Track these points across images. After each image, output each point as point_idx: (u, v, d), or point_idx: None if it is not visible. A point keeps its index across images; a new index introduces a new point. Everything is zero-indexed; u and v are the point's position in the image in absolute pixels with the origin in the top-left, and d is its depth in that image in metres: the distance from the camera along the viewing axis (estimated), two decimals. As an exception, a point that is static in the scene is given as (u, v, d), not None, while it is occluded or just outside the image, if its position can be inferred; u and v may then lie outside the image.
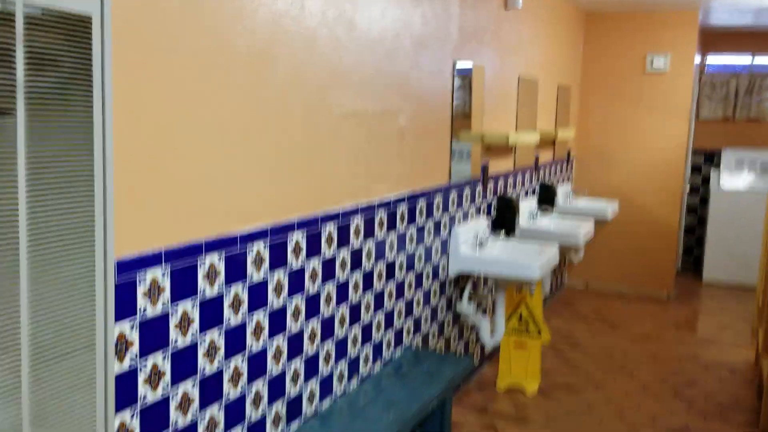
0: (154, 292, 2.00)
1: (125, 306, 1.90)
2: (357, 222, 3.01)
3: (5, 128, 1.50)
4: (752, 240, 7.16)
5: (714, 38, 7.87)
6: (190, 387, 2.17)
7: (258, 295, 2.43)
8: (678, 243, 7.17)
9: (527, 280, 3.93)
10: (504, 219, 4.74)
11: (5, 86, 1.49)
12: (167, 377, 2.08)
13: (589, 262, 6.92)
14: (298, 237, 2.62)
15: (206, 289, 2.19)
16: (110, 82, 1.74)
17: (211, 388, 2.26)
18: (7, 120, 1.50)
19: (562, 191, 6.33)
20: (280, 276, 2.54)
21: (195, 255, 2.13)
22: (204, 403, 2.24)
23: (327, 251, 2.81)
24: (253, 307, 2.41)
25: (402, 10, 3.25)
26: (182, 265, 2.09)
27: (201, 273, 2.17)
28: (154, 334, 2.01)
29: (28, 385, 1.58)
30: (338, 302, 2.94)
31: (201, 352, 2.20)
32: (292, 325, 2.64)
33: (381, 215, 3.21)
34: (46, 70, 1.57)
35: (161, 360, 2.05)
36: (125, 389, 1.93)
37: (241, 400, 2.41)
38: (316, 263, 2.75)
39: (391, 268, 3.36)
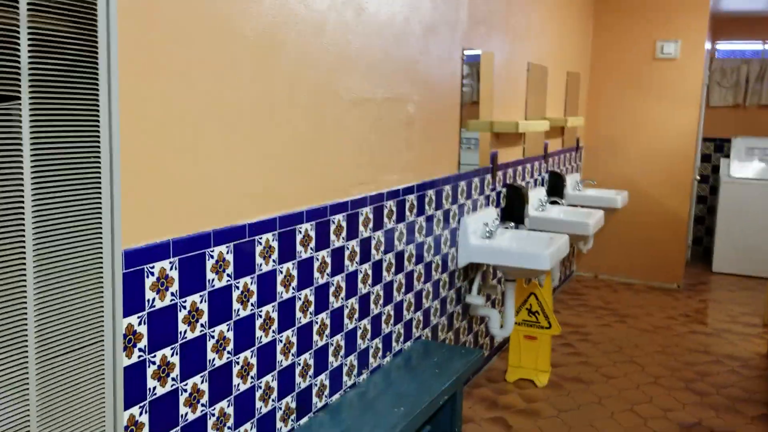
0: (162, 283, 1.95)
1: (133, 298, 1.85)
2: (366, 212, 2.96)
3: (9, 114, 1.45)
4: (763, 230, 7.09)
5: (725, 24, 7.78)
6: (200, 381, 2.12)
7: (267, 287, 2.38)
8: (687, 233, 7.10)
9: (538, 270, 3.87)
10: (513, 209, 4.68)
11: (9, 71, 1.44)
12: (176, 371, 2.03)
13: (598, 252, 6.86)
14: (307, 227, 2.56)
15: (215, 280, 2.14)
16: (116, 67, 1.68)
17: (220, 382, 2.21)
18: (12, 106, 1.45)
19: (571, 180, 6.27)
20: (289, 267, 2.49)
21: (203, 246, 2.08)
22: (214, 398, 2.19)
23: (336, 242, 2.76)
24: (262, 299, 2.36)
25: (412, -5, 3.18)
26: (190, 256, 2.04)
27: (209, 264, 2.12)
28: (162, 327, 1.96)
29: (35, 380, 1.53)
30: (348, 294, 2.89)
31: (210, 345, 2.15)
32: (301, 318, 2.59)
33: (390, 205, 3.15)
34: (50, 54, 1.51)
35: (170, 353, 2.00)
36: (134, 384, 1.88)
37: (251, 394, 2.36)
38: (325, 254, 2.69)
39: (400, 259, 3.30)
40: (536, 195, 5.32)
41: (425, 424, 3.11)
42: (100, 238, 1.69)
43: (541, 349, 4.39)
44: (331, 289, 2.77)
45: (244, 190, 2.23)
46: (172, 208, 1.96)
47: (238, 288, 2.25)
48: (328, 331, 2.77)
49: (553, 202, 5.54)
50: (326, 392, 2.81)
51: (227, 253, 2.18)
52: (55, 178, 1.56)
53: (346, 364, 2.93)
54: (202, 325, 2.11)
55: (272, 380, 2.46)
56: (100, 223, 1.68)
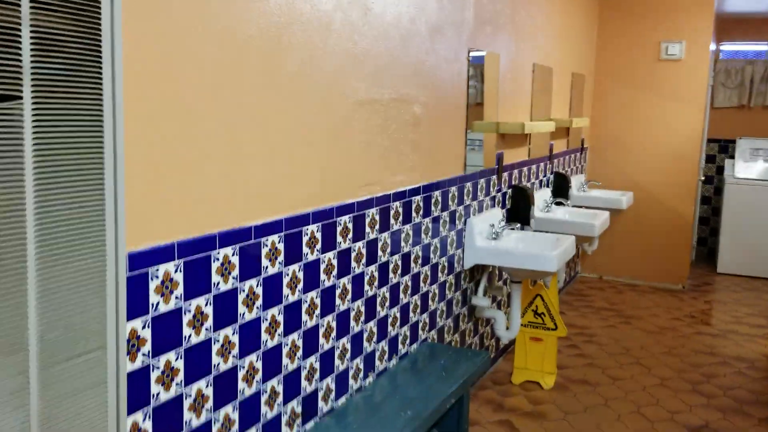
0: (167, 286, 1.91)
1: (137, 302, 1.82)
2: (372, 213, 2.92)
3: (11, 114, 1.41)
4: (768, 230, 7.05)
5: (729, 25, 7.75)
6: (204, 386, 2.09)
7: (273, 290, 2.35)
8: (692, 233, 7.06)
9: (544, 272, 3.83)
10: (519, 210, 4.65)
11: (11, 70, 1.40)
12: (180, 376, 1.99)
13: (603, 253, 6.82)
14: (313, 229, 2.53)
15: (220, 283, 2.11)
16: (120, 66, 1.64)
17: (225, 387, 2.18)
18: (13, 106, 1.41)
19: (576, 181, 6.23)
20: (295, 269, 2.45)
21: (209, 248, 2.05)
22: (218, 403, 2.15)
23: (342, 244, 2.72)
24: (267, 302, 2.33)
25: (418, -6, 3.15)
26: (195, 259, 2.00)
27: (215, 267, 2.08)
28: (167, 331, 1.93)
29: (36, 387, 1.49)
30: (354, 296, 2.85)
31: (215, 349, 2.12)
32: (307, 321, 2.56)
33: (396, 206, 3.12)
34: (53, 53, 1.48)
35: (174, 358, 1.96)
36: (137, 389, 1.85)
37: (256, 398, 2.32)
38: (331, 256, 2.66)
39: (406, 261, 3.27)
40: (541, 196, 5.28)
41: (432, 428, 3.07)
42: (104, 240, 1.65)
43: (547, 351, 4.36)
44: (338, 292, 2.73)
45: (249, 192, 2.19)
46: (177, 209, 1.93)
47: (243, 291, 2.21)
48: (334, 334, 2.74)
49: (559, 203, 5.50)
50: (332, 396, 2.77)
51: (233, 255, 2.14)
52: (58, 179, 1.52)
53: (352, 368, 2.90)
54: (207, 329, 2.08)
55: (278, 384, 2.43)
56: (104, 225, 1.65)
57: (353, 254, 2.81)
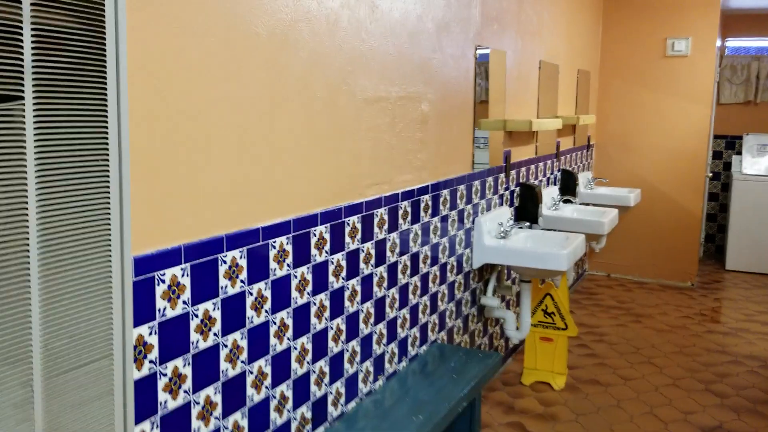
0: (173, 291, 1.86)
1: (144, 307, 1.77)
2: (381, 213, 2.87)
3: (12, 115, 1.36)
4: (777, 227, 6.98)
5: (735, 20, 7.68)
6: (213, 393, 2.04)
7: (281, 293, 2.29)
8: (700, 231, 7.00)
9: (555, 271, 3.77)
10: (527, 208, 4.59)
11: (11, 69, 1.35)
12: (188, 383, 1.94)
13: (611, 250, 6.77)
14: (321, 230, 2.47)
15: (228, 287, 2.06)
16: (125, 65, 1.59)
17: (234, 394, 2.12)
18: (14, 106, 1.36)
19: (583, 179, 6.17)
20: (304, 272, 2.40)
21: (216, 251, 1.99)
22: (227, 410, 2.10)
23: (351, 244, 2.67)
24: (276, 306, 2.27)
25: (425, -10, 3.09)
26: (203, 262, 1.95)
27: (222, 270, 2.03)
28: (174, 337, 1.88)
29: (41, 399, 1.44)
30: (363, 298, 2.80)
31: (223, 354, 2.07)
32: (316, 324, 2.50)
33: (405, 206, 3.06)
34: (55, 52, 1.43)
35: (182, 364, 1.91)
36: (144, 397, 1.79)
37: (266, 404, 2.27)
38: (339, 257, 2.60)
39: (415, 262, 3.21)
40: (549, 194, 5.22)
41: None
42: (109, 244, 1.60)
43: (558, 351, 4.30)
44: (347, 294, 2.68)
45: (256, 192, 2.14)
46: (184, 211, 1.88)
47: (251, 294, 2.16)
48: (343, 337, 2.69)
49: (566, 201, 5.44)
50: (342, 400, 2.72)
51: (240, 258, 2.09)
52: (61, 182, 1.47)
53: (361, 371, 2.84)
54: (215, 334, 2.03)
55: (287, 390, 2.38)
56: (109, 229, 1.60)
57: (362, 255, 2.76)
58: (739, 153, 7.72)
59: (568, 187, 5.64)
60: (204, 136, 1.92)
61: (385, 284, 2.96)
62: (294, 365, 2.40)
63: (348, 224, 2.64)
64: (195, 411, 1.98)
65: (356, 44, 2.60)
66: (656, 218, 6.70)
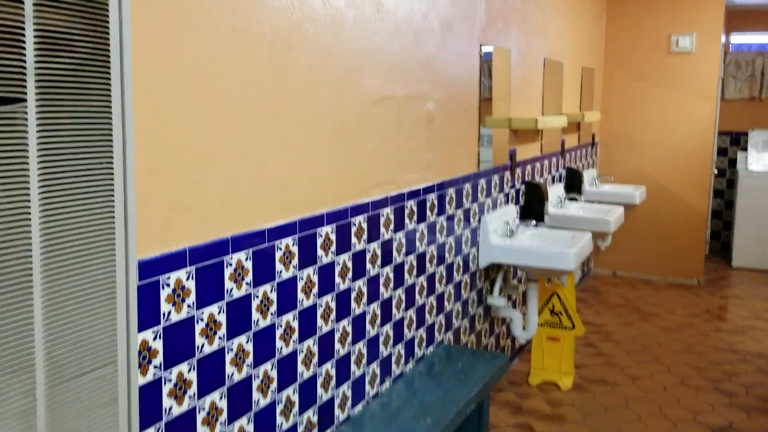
0: (178, 295, 1.83)
1: (148, 312, 1.74)
2: (387, 213, 2.84)
3: (14, 118, 1.33)
4: (784, 224, 6.94)
5: (739, 16, 7.63)
6: (218, 398, 2.01)
7: (287, 295, 2.26)
8: (706, 227, 6.96)
9: (562, 270, 3.74)
10: (532, 206, 4.56)
11: (14, 71, 1.32)
12: (193, 388, 1.91)
13: (616, 248, 6.72)
14: (327, 230, 2.44)
15: (233, 289, 2.03)
16: (129, 66, 1.56)
17: (239, 398, 2.09)
18: (16, 109, 1.33)
19: (588, 176, 6.13)
20: (310, 273, 2.37)
21: (221, 253, 1.96)
22: (233, 415, 2.07)
23: (357, 245, 2.64)
24: (282, 308, 2.24)
25: (430, -13, 3.06)
26: (208, 265, 1.92)
27: (227, 272, 2.00)
28: (179, 342, 1.85)
29: (43, 408, 1.41)
30: (369, 299, 2.77)
31: (228, 358, 2.04)
32: (322, 326, 2.47)
33: (410, 205, 3.03)
34: (58, 53, 1.39)
35: (187, 369, 1.88)
36: (149, 404, 1.76)
37: (272, 409, 2.24)
38: (346, 258, 2.57)
39: (421, 262, 3.18)
40: (555, 192, 5.19)
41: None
42: (113, 248, 1.57)
43: (565, 351, 4.27)
44: (353, 295, 2.65)
45: (262, 193, 2.11)
46: (188, 214, 1.85)
47: (257, 297, 2.13)
48: (350, 339, 2.66)
49: (572, 199, 5.41)
50: (348, 403, 2.69)
51: (246, 260, 2.06)
52: (64, 185, 1.44)
53: (368, 373, 2.81)
54: (220, 338, 2.00)
55: (293, 393, 2.35)
56: (113, 232, 1.57)
57: (368, 255, 2.73)
58: (745, 149, 7.68)
59: (573, 184, 5.60)
60: (208, 137, 1.88)
61: (391, 285, 2.93)
62: (300, 368, 2.37)
63: (354, 224, 2.61)
64: (200, 417, 1.95)
65: (361, 43, 2.57)
66: (662, 215, 6.66)
